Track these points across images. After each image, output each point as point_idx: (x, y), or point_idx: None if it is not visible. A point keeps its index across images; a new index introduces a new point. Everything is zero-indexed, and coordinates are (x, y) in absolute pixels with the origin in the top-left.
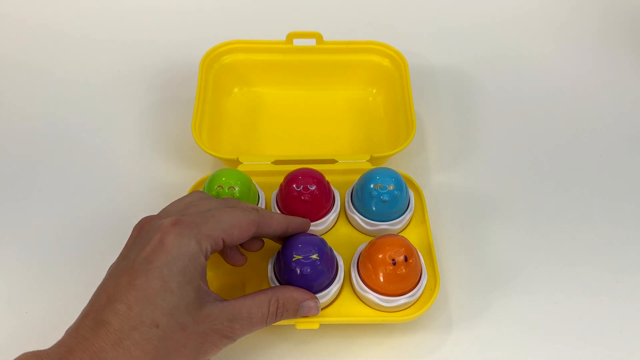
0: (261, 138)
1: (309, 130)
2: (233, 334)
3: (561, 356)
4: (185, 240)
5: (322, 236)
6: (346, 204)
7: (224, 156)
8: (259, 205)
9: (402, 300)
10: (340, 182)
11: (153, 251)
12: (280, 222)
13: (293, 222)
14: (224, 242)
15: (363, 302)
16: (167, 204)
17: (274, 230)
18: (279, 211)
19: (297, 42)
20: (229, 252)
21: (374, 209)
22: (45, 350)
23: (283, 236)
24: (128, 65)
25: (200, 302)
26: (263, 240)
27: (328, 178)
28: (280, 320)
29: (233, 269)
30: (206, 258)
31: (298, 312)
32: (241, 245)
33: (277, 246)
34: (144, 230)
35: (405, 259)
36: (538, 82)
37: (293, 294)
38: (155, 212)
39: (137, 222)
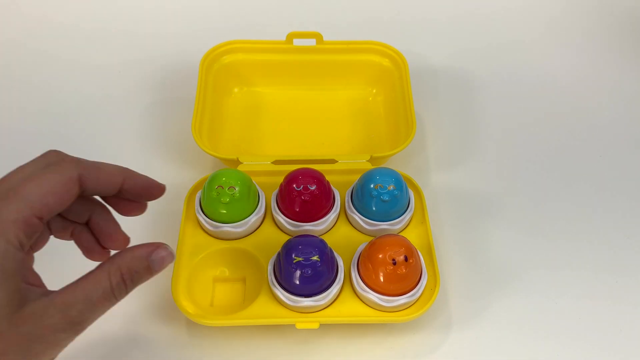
0: (261, 138)
1: (309, 130)
2: (72, 324)
3: (561, 356)
4: None
5: (322, 236)
6: (346, 204)
7: (224, 156)
8: (259, 205)
9: (402, 300)
10: (340, 182)
11: None
12: (113, 173)
13: (132, 176)
14: (41, 218)
15: (363, 302)
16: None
17: (105, 183)
18: (279, 211)
19: (297, 42)
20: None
21: (374, 209)
22: None
23: (126, 193)
24: (128, 65)
25: (19, 302)
26: (145, 204)
27: (328, 178)
28: (135, 286)
29: (234, 267)
30: (22, 248)
31: (151, 268)
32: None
33: (278, 246)
34: None
35: (406, 259)
36: (539, 82)
37: (134, 252)
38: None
39: None
